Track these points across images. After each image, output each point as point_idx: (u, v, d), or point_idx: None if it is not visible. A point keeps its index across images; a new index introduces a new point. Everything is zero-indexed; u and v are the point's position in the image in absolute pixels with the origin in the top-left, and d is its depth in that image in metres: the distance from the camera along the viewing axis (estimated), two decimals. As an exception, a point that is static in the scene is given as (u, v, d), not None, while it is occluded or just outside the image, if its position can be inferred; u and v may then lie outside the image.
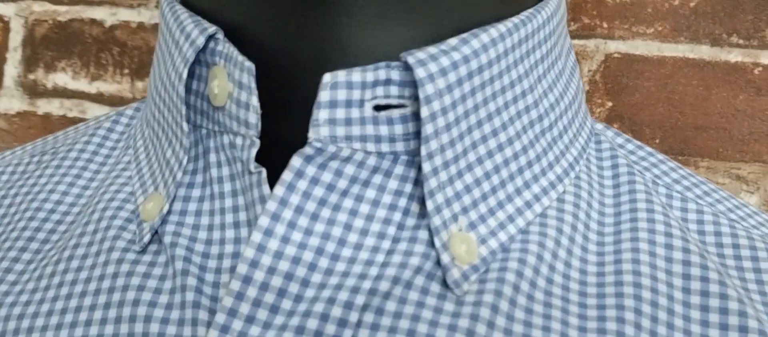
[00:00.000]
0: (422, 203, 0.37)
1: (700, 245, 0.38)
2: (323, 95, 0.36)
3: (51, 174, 0.43)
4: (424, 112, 0.35)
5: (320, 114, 0.36)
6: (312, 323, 0.34)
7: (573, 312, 0.36)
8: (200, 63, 0.39)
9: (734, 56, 0.64)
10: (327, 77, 0.35)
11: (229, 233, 0.37)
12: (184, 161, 0.38)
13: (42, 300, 0.38)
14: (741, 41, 0.64)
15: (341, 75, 0.35)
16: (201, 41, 0.37)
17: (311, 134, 0.36)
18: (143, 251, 0.38)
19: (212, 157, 0.38)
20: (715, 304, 0.36)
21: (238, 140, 0.37)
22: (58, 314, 0.38)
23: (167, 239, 0.38)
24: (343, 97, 0.36)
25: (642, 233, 0.38)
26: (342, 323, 0.34)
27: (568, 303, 0.36)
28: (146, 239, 0.38)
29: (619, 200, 0.39)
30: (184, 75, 0.38)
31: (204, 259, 0.37)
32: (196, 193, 0.39)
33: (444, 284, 0.35)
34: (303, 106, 0.37)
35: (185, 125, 0.38)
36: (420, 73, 0.35)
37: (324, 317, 0.34)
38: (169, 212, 0.38)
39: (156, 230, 0.38)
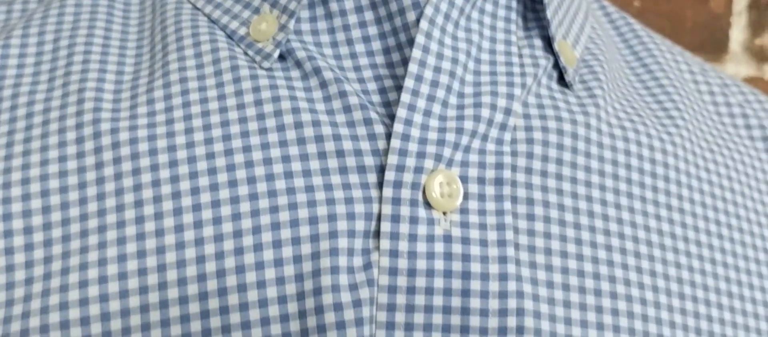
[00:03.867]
0: (523, 17, 0.41)
1: None
2: None
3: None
4: None
5: None
6: (485, 112, 0.38)
7: (639, 99, 0.43)
8: None
9: None
10: None
11: (360, 48, 0.39)
12: None
13: (171, 118, 0.37)
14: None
15: None
16: None
17: None
18: (271, 68, 0.39)
19: None
20: None
21: None
22: (221, 138, 0.37)
23: (301, 54, 0.38)
24: None
25: None
26: (507, 111, 0.38)
27: (631, 94, 0.43)
28: (276, 54, 0.38)
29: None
30: None
31: (342, 72, 0.39)
32: (304, 13, 0.39)
33: (559, 83, 0.41)
34: None
35: None
36: None
37: (493, 107, 0.38)
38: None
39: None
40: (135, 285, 0.35)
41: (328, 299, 0.34)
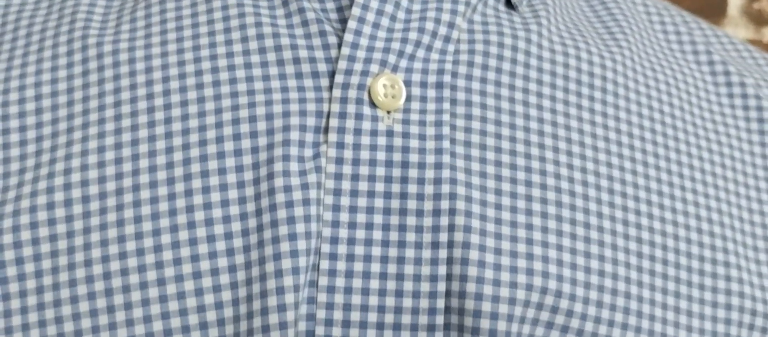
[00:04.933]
0: None
1: None
2: None
3: None
4: None
5: None
6: (429, 25, 0.42)
7: (588, 25, 0.47)
8: None
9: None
10: None
11: None
12: None
13: (149, 32, 0.42)
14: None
15: None
16: None
17: None
18: None
19: None
20: None
21: None
22: (183, 36, 0.42)
23: None
24: None
25: None
26: (450, 25, 0.42)
27: (581, 21, 0.47)
28: None
29: None
30: None
31: None
32: None
33: (507, 5, 0.45)
34: None
35: None
36: None
37: (437, 21, 0.42)
38: None
39: None
40: (111, 172, 0.39)
41: (279, 182, 0.39)
